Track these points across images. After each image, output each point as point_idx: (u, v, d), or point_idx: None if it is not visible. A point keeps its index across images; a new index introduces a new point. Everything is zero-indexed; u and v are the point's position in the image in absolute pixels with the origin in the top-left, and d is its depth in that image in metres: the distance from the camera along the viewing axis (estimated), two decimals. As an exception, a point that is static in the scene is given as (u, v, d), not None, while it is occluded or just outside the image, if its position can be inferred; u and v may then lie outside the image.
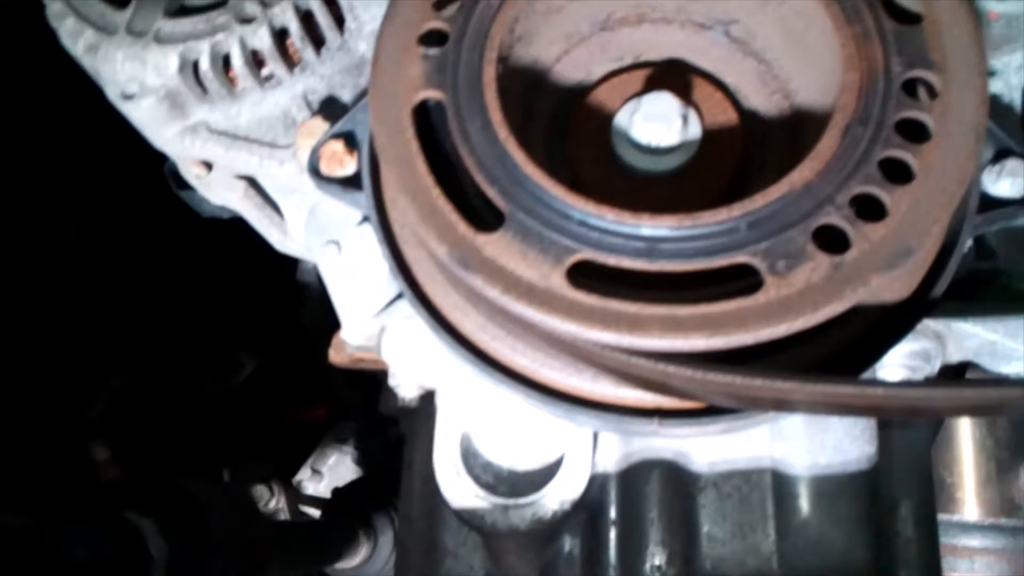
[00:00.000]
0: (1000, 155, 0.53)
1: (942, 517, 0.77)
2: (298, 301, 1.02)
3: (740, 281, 0.44)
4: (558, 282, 0.44)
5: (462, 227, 0.46)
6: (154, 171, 0.91)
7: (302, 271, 1.03)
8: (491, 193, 0.47)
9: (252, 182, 0.80)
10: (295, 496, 1.39)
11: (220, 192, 0.80)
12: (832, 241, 0.44)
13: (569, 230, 0.46)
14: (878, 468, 0.55)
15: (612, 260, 0.45)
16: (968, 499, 0.86)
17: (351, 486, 1.29)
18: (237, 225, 1.01)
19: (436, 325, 0.53)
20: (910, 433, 0.58)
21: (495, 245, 0.46)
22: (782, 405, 0.43)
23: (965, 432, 0.92)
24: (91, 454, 1.00)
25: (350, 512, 1.15)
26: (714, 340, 0.42)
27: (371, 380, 1.22)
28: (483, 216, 0.48)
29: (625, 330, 0.43)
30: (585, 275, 0.45)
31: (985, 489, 0.86)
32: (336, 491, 1.27)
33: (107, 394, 1.05)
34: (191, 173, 0.78)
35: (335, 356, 0.75)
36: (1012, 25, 0.57)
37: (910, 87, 0.47)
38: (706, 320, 0.43)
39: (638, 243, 0.45)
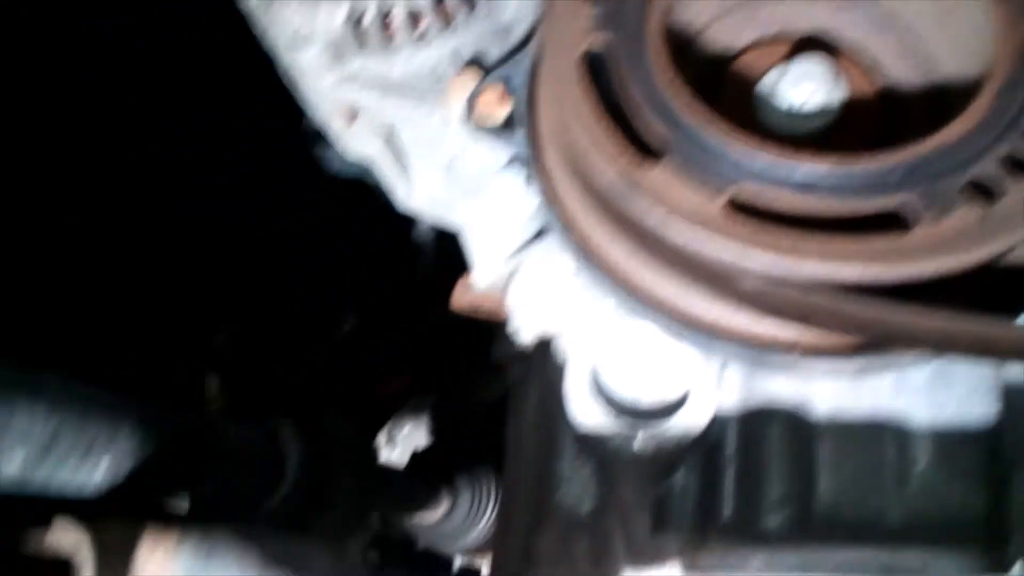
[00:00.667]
0: None
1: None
2: (410, 263, 1.08)
3: (894, 226, 0.47)
4: (717, 211, 0.48)
5: (627, 157, 0.50)
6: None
7: (418, 231, 1.08)
8: (656, 125, 0.51)
9: (389, 138, 0.86)
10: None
11: (360, 143, 0.86)
12: (984, 191, 0.46)
13: (728, 166, 0.49)
14: (1001, 428, 0.57)
15: (770, 195, 0.48)
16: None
17: (431, 449, 1.33)
18: (356, 187, 1.07)
19: (584, 251, 0.57)
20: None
21: (658, 175, 0.50)
22: (921, 341, 0.46)
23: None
24: (203, 387, 1.06)
25: (432, 470, 1.20)
26: (870, 269, 0.45)
27: (456, 352, 1.27)
28: (645, 151, 0.51)
29: (783, 257, 0.46)
30: (744, 209, 0.49)
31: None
32: (415, 455, 1.32)
33: (221, 338, 1.12)
34: (336, 124, 0.84)
35: (458, 299, 0.80)
36: None
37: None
38: (862, 251, 0.46)
39: (797, 180, 0.48)
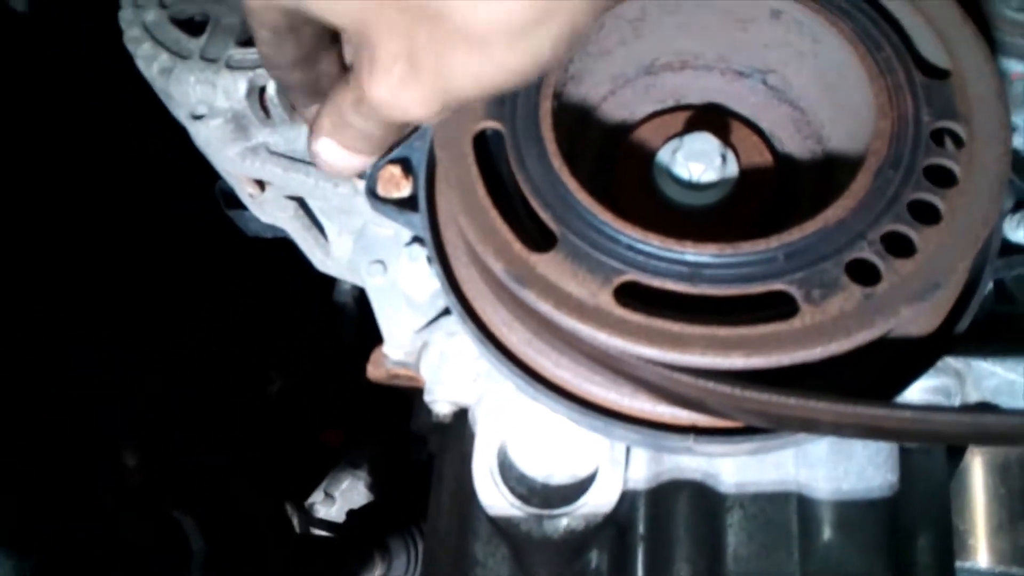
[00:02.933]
0: (1020, 204, 0.57)
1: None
2: (333, 322, 1.06)
3: (776, 309, 0.48)
4: (606, 300, 0.48)
5: (517, 246, 0.50)
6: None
7: (339, 292, 1.06)
8: (545, 216, 0.51)
9: (301, 203, 0.84)
10: (308, 518, 1.41)
11: (271, 211, 0.84)
12: (864, 274, 0.47)
13: (617, 253, 0.49)
14: (899, 497, 0.57)
15: (657, 282, 0.48)
16: (980, 547, 0.87)
17: (366, 509, 1.30)
18: (276, 247, 1.05)
19: (482, 338, 0.56)
20: (930, 466, 0.60)
21: (548, 264, 0.49)
22: (812, 426, 0.46)
23: (978, 479, 0.93)
24: (121, 459, 1.02)
25: (365, 534, 1.17)
26: (752, 360, 0.45)
27: (389, 407, 1.25)
28: (535, 238, 0.51)
29: (668, 347, 0.46)
30: (631, 297, 0.48)
31: (997, 537, 0.88)
32: (351, 512, 1.29)
33: (141, 399, 1.08)
34: (245, 192, 0.83)
35: (373, 371, 0.78)
36: (1033, 85, 0.61)
37: (938, 136, 0.50)
38: (745, 340, 0.46)
39: (681, 268, 0.48)
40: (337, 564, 1.06)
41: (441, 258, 0.59)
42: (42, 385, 0.92)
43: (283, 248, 1.03)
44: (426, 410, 0.75)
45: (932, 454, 0.60)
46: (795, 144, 0.62)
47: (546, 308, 0.48)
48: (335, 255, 0.91)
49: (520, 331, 0.55)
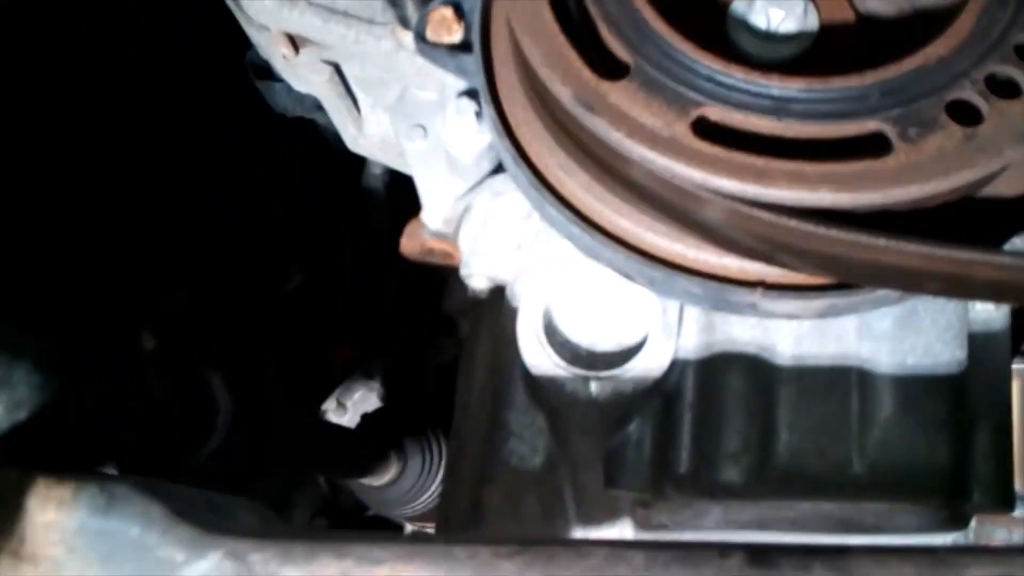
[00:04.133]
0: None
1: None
2: (363, 207, 1.02)
3: (869, 152, 0.44)
4: (683, 131, 0.44)
5: (587, 73, 0.46)
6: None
7: (368, 176, 1.03)
8: (618, 43, 0.47)
9: (337, 70, 0.80)
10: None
11: (305, 75, 0.80)
12: (965, 113, 0.43)
13: (696, 84, 0.45)
14: (964, 376, 0.54)
15: (739, 116, 0.45)
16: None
17: (381, 412, 1.29)
18: (300, 131, 1.01)
19: (537, 183, 0.53)
20: (995, 349, 0.57)
21: (620, 93, 0.46)
22: (896, 276, 0.43)
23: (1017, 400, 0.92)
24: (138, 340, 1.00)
25: (381, 433, 1.16)
26: (842, 196, 0.42)
27: (406, 313, 1.23)
28: (606, 68, 0.47)
29: (751, 180, 0.43)
30: (709, 132, 0.45)
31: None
32: (366, 415, 1.28)
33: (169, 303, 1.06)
34: (279, 54, 0.79)
35: (407, 243, 0.75)
36: None
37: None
38: (834, 176, 0.42)
39: (766, 102, 0.45)
40: (353, 460, 1.05)
41: (494, 101, 0.55)
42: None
43: (309, 132, 1.00)
44: (460, 289, 0.72)
45: (997, 338, 0.57)
46: (882, 2, 0.57)
47: (617, 137, 0.44)
48: (368, 131, 0.87)
49: (579, 175, 0.52)
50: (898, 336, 0.54)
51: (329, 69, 0.79)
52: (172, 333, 1.02)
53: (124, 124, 1.02)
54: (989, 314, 0.57)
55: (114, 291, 1.01)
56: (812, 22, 0.55)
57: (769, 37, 0.54)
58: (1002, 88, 0.44)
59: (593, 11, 0.48)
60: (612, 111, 0.45)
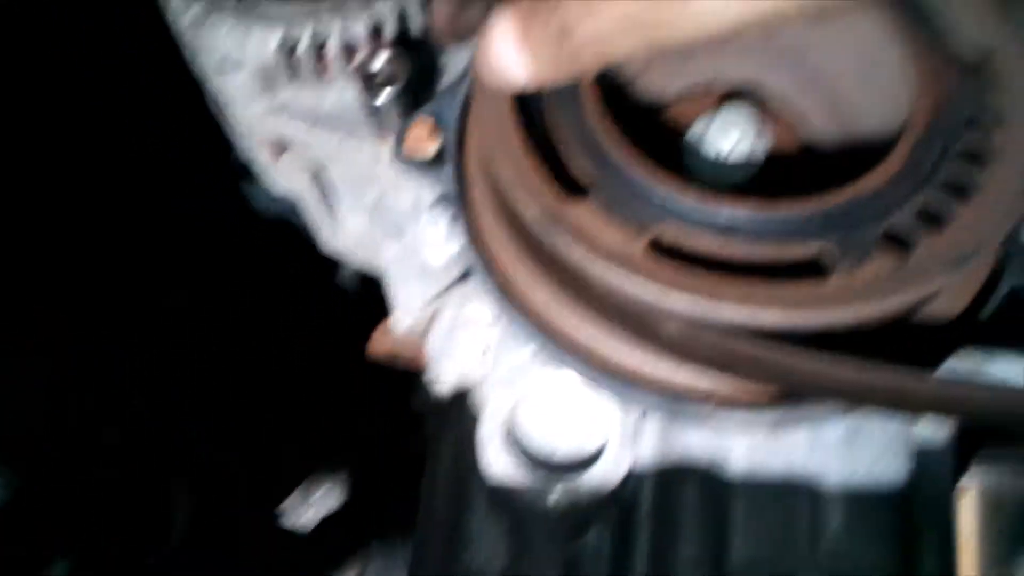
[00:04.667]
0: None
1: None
2: (330, 309, 1.04)
3: (810, 272, 0.47)
4: (639, 250, 0.47)
5: (551, 193, 0.49)
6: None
7: (341, 276, 1.05)
8: (580, 165, 0.50)
9: (317, 174, 0.84)
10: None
11: (287, 178, 0.83)
12: (898, 241, 0.47)
13: (652, 205, 0.49)
14: (911, 488, 0.56)
15: (691, 237, 0.48)
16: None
17: (344, 510, 1.27)
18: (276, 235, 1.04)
19: (503, 293, 0.55)
20: (939, 463, 0.59)
21: (581, 212, 0.49)
22: (840, 391, 0.45)
23: (968, 517, 0.93)
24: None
25: (343, 532, 1.14)
26: (787, 316, 0.45)
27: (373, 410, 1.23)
28: (569, 187, 0.51)
29: (702, 300, 0.45)
30: (664, 251, 0.48)
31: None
32: (327, 516, 1.26)
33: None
34: (262, 157, 0.82)
35: (376, 345, 0.77)
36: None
37: (974, 120, 0.51)
38: (779, 297, 0.45)
39: (717, 224, 0.48)
40: (312, 561, 1.03)
41: (467, 213, 0.58)
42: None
43: (284, 233, 1.02)
44: (426, 390, 0.73)
45: (940, 452, 0.59)
46: (826, 127, 0.62)
47: (578, 255, 0.47)
48: (343, 232, 0.90)
49: (543, 287, 0.54)
50: (847, 448, 0.56)
51: (310, 171, 0.82)
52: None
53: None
54: (932, 429, 0.59)
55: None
56: (762, 147, 0.59)
57: (721, 163, 0.59)
58: (932, 219, 0.48)
59: (557, 134, 0.52)
60: (574, 229, 0.48)
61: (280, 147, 0.80)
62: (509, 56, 0.47)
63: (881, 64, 0.55)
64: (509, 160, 0.51)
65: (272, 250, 1.04)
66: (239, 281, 1.10)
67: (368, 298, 0.89)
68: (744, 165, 0.59)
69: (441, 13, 0.56)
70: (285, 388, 1.23)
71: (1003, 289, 0.52)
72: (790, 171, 0.60)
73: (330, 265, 1.03)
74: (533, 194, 0.50)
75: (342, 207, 0.87)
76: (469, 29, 0.52)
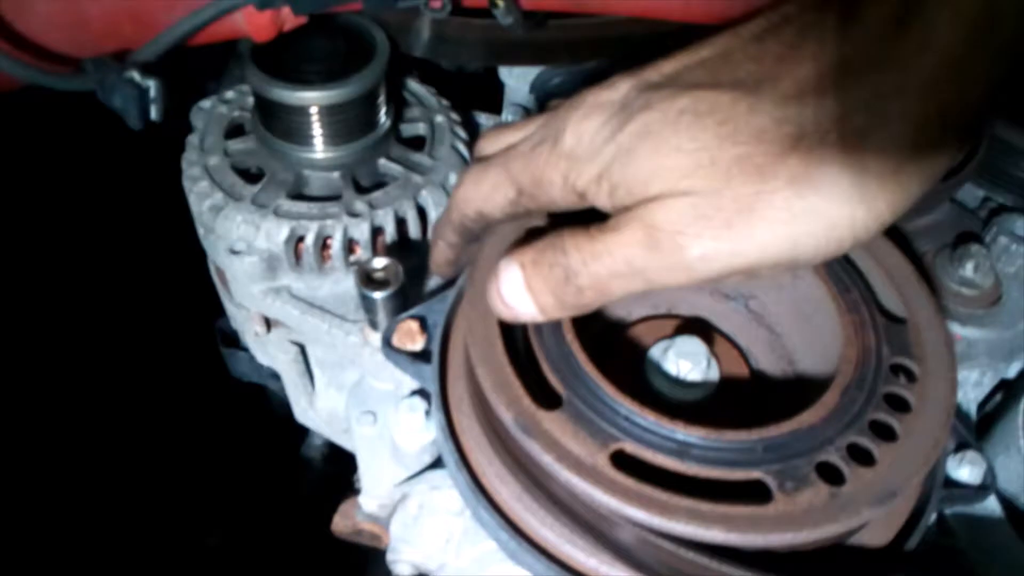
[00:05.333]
0: (961, 446, 0.64)
1: None
2: (299, 475, 1.06)
3: (753, 495, 0.52)
4: (603, 462, 0.52)
5: (527, 401, 0.55)
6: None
7: (308, 446, 1.07)
8: (555, 380, 0.56)
9: (302, 350, 0.89)
10: None
11: (273, 351, 0.88)
12: (831, 474, 0.53)
13: (616, 422, 0.55)
14: None
15: (648, 454, 0.53)
16: None
17: None
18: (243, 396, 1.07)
19: (473, 487, 0.59)
20: None
21: (553, 422, 0.54)
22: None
23: None
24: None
25: None
26: (731, 536, 0.49)
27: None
28: (543, 398, 0.56)
29: (655, 512, 0.50)
30: (625, 463, 0.53)
31: None
32: None
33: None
34: (251, 330, 0.87)
35: (340, 522, 0.79)
36: (972, 346, 0.71)
37: (895, 370, 0.59)
38: (725, 517, 0.50)
39: (672, 444, 0.54)
40: None
41: (444, 408, 0.63)
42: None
43: (255, 397, 1.06)
44: (385, 571, 0.75)
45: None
46: (769, 362, 0.70)
47: (548, 460, 0.52)
48: (318, 406, 0.94)
49: (512, 485, 0.59)
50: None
51: (295, 349, 0.88)
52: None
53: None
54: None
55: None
56: (714, 374, 0.66)
57: (678, 382, 0.65)
58: (860, 456, 0.54)
59: (536, 349, 0.58)
60: (545, 437, 0.53)
61: (270, 323, 0.86)
62: (518, 296, 0.54)
63: (815, 316, 0.64)
64: (492, 369, 0.57)
65: (243, 415, 1.07)
66: (208, 438, 1.11)
67: (333, 473, 0.91)
68: (699, 386, 0.65)
69: (442, 255, 0.64)
70: (240, 553, 1.20)
71: (926, 522, 0.58)
72: (742, 396, 0.67)
73: (300, 435, 1.06)
74: (511, 401, 0.55)
75: (319, 383, 0.91)
76: (466, 263, 0.59)
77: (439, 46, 0.87)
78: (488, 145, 0.64)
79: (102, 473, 1.09)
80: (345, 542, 0.83)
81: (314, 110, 0.79)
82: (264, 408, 1.04)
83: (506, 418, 0.54)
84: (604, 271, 0.51)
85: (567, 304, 0.53)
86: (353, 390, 0.81)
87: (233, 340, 0.98)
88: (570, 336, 0.59)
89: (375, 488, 0.74)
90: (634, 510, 0.50)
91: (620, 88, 0.53)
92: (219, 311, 0.96)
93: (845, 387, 0.57)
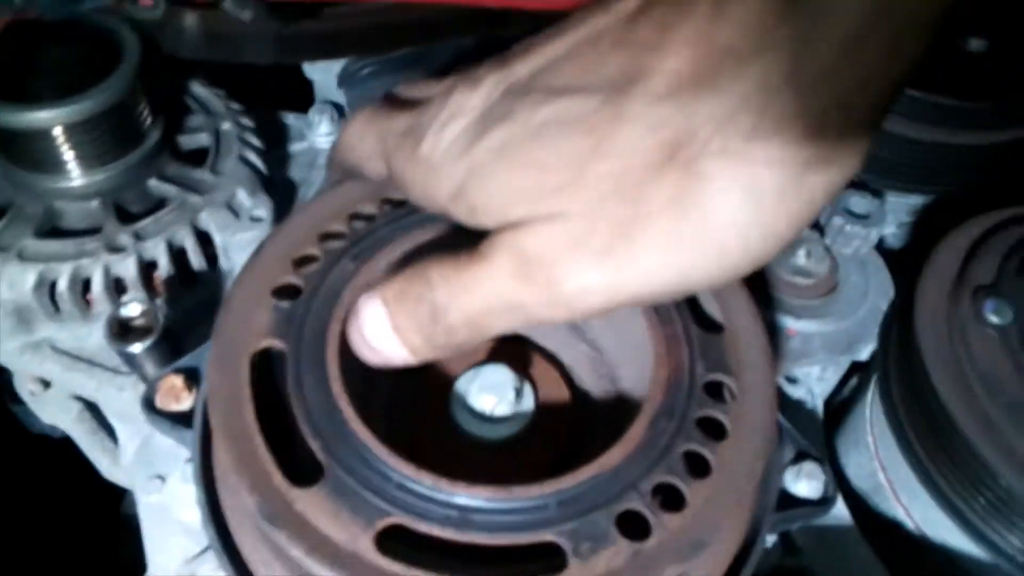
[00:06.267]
0: (799, 457, 0.58)
1: None
2: (116, 537, 0.94)
3: (547, 561, 0.45)
4: (366, 546, 0.44)
5: (277, 478, 0.46)
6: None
7: (128, 503, 0.96)
8: (314, 445, 0.47)
9: (89, 405, 0.77)
10: None
11: (53, 412, 0.77)
12: (634, 527, 0.45)
13: (385, 492, 0.46)
14: None
15: (423, 527, 0.45)
16: None
17: None
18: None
19: (240, 574, 0.50)
20: None
21: (308, 501, 0.45)
22: None
23: None
24: None
25: None
26: (514, 620, 0.42)
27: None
28: (305, 471, 0.47)
29: (425, 604, 0.42)
30: (397, 539, 0.45)
31: None
32: None
33: None
34: (26, 389, 0.75)
35: (133, 605, 0.68)
36: (808, 341, 0.65)
37: (712, 389, 0.52)
38: (508, 598, 0.42)
39: (451, 511, 0.45)
40: None
41: (208, 483, 0.54)
42: None
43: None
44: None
45: None
46: (592, 382, 0.63)
47: (297, 554, 0.43)
48: (124, 463, 0.82)
49: (279, 573, 0.50)
50: None
51: (79, 406, 0.76)
52: None
53: None
54: None
55: None
56: (527, 404, 0.58)
57: (486, 419, 0.57)
58: (669, 498, 0.47)
59: (296, 409, 0.49)
60: (296, 522, 0.44)
61: (45, 380, 0.74)
62: (383, 338, 0.46)
63: (627, 329, 0.56)
64: (237, 438, 0.48)
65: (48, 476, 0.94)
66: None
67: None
68: (511, 420, 0.57)
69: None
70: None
71: (756, 556, 0.52)
72: (563, 424, 0.60)
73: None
74: (258, 480, 0.46)
75: (120, 437, 0.80)
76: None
77: (212, 44, 0.75)
78: (405, 89, 0.55)
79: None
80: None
81: (57, 131, 0.67)
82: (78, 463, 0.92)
83: (250, 503, 0.45)
84: (474, 307, 0.43)
85: (438, 345, 0.46)
86: (141, 448, 0.70)
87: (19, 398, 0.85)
88: (336, 388, 0.50)
89: (162, 565, 0.64)
90: (401, 603, 0.42)
91: (483, 87, 0.46)
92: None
93: (653, 416, 0.50)
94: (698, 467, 0.48)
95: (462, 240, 0.45)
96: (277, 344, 0.52)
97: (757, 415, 0.50)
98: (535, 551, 0.45)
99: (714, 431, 0.50)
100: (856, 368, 0.75)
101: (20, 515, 0.99)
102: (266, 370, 0.52)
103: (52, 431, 0.90)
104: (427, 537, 0.45)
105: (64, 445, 0.91)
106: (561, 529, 0.45)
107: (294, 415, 0.49)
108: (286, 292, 0.55)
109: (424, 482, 0.46)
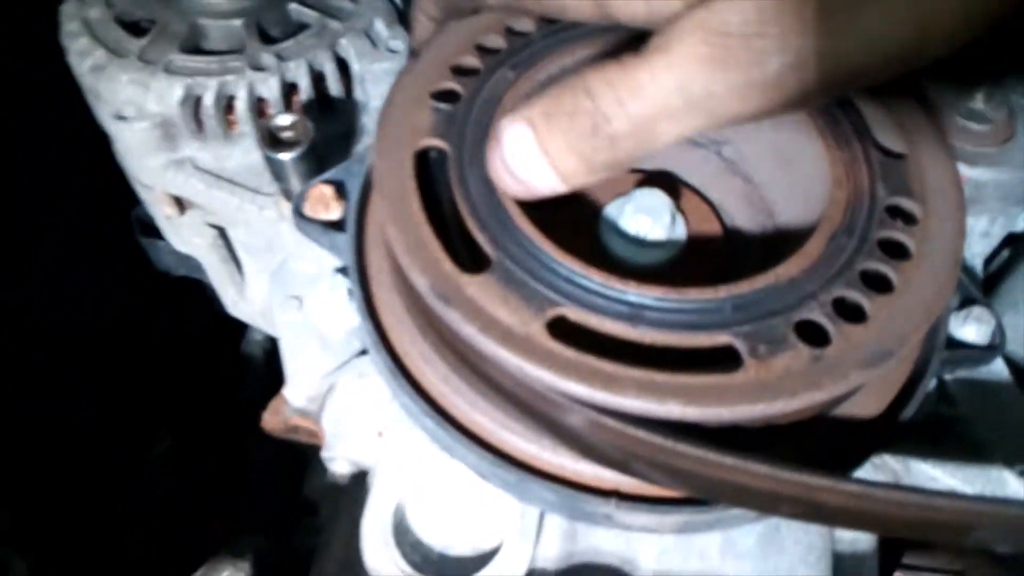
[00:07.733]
0: (966, 302, 0.55)
1: None
2: (239, 374, 0.97)
3: (719, 364, 0.44)
4: (537, 331, 0.43)
5: (447, 264, 0.45)
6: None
7: (247, 342, 0.99)
8: (481, 238, 0.46)
9: (221, 233, 0.79)
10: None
11: (188, 236, 0.78)
12: (813, 335, 0.44)
13: (554, 284, 0.45)
14: (830, 601, 0.52)
15: (594, 320, 0.44)
16: None
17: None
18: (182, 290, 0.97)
19: (393, 368, 0.50)
20: (862, 570, 0.55)
21: (477, 286, 0.45)
22: (747, 496, 0.41)
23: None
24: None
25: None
26: (689, 410, 0.41)
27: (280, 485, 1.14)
28: (469, 261, 0.47)
29: (600, 386, 0.41)
30: (564, 333, 0.44)
31: None
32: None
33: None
34: (162, 213, 0.77)
35: (270, 419, 0.70)
36: (980, 189, 0.61)
37: (893, 211, 0.49)
38: (683, 388, 0.41)
39: (622, 307, 0.44)
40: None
41: (362, 282, 0.54)
42: None
43: (190, 289, 0.96)
44: (322, 469, 0.67)
45: (864, 559, 0.55)
46: (745, 218, 0.60)
47: (470, 331, 0.43)
48: (249, 296, 0.84)
49: (438, 365, 0.50)
50: (761, 555, 0.52)
51: (213, 233, 0.77)
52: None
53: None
54: (855, 535, 0.55)
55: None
56: (680, 232, 0.56)
57: (638, 243, 0.56)
58: (849, 312, 0.45)
59: (461, 205, 0.48)
60: (468, 305, 0.44)
61: (183, 203, 0.75)
62: (530, 163, 0.42)
63: (798, 158, 0.53)
64: (406, 227, 0.47)
65: (172, 311, 0.97)
66: (138, 340, 1.02)
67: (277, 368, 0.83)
68: (663, 246, 0.56)
69: (424, 31, 0.54)
70: (189, 459, 1.14)
71: (924, 388, 0.49)
72: (713, 257, 0.58)
73: (238, 329, 0.97)
74: (428, 265, 0.45)
75: (247, 270, 0.81)
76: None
77: None
78: None
79: (43, 388, 1.00)
80: (287, 442, 0.75)
81: (205, -58, 0.66)
82: (200, 303, 0.94)
83: (421, 284, 0.45)
84: (648, 109, 0.39)
85: (596, 163, 0.42)
86: (275, 274, 0.71)
87: (151, 229, 0.87)
88: (501, 187, 0.48)
89: (302, 380, 0.65)
90: (574, 384, 0.41)
91: None
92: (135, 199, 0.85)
93: (832, 233, 0.48)
94: (880, 285, 0.46)
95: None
96: (439, 143, 0.51)
97: (945, 237, 0.47)
98: (707, 354, 0.44)
99: (897, 252, 0.47)
100: (1010, 240, 0.71)
101: (144, 352, 1.03)
102: (425, 171, 0.52)
103: (176, 266, 0.92)
104: (597, 333, 0.44)
105: (183, 282, 0.94)
106: (737, 331, 0.43)
107: (458, 210, 0.48)
108: (446, 96, 0.53)
109: (594, 277, 0.45)
